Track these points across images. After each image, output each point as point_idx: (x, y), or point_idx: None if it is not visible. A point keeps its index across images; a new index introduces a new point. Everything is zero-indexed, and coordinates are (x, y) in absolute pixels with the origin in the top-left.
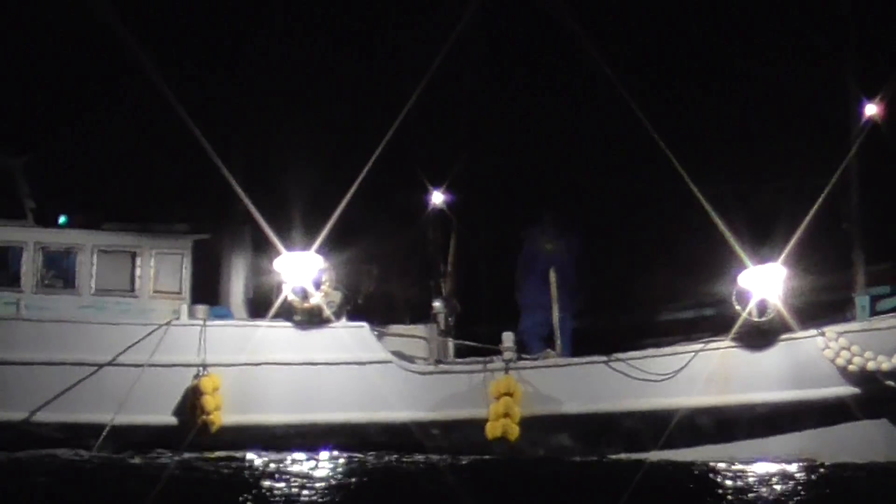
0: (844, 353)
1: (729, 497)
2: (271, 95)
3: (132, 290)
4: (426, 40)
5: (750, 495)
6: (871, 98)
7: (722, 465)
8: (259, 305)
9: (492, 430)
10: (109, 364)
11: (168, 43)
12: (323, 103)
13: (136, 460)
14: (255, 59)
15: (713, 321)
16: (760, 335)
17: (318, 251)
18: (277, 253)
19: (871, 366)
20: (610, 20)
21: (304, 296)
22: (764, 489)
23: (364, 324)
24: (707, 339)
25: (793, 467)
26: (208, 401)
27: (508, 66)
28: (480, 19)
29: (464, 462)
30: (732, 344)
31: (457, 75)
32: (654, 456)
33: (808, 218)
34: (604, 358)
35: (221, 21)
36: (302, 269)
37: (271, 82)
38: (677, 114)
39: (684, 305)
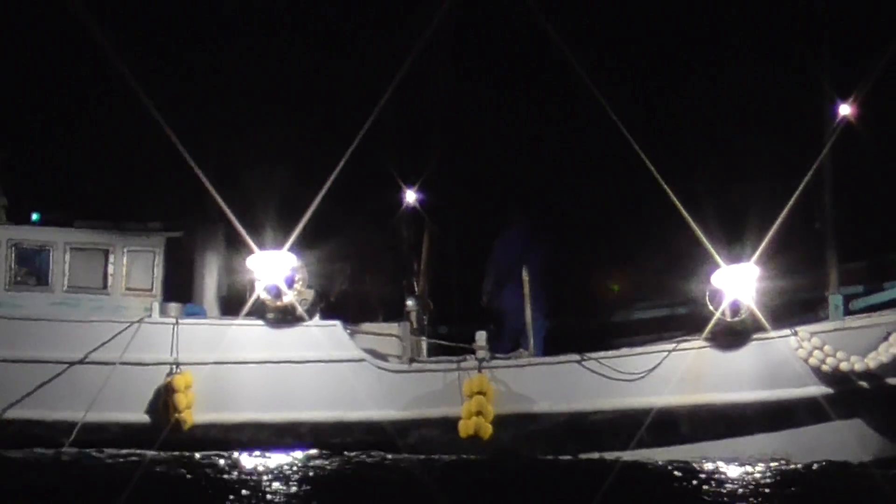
0: (817, 353)
1: (701, 497)
2: (244, 94)
3: (104, 287)
4: (399, 38)
5: (722, 495)
6: (844, 98)
7: (694, 465)
8: (232, 303)
9: (465, 428)
10: (81, 362)
11: (141, 41)
12: (296, 102)
13: (108, 458)
14: (227, 57)
15: (686, 319)
16: (733, 335)
17: (291, 250)
18: (250, 251)
19: (844, 366)
20: (583, 19)
21: (278, 294)
22: (736, 489)
23: (337, 322)
24: (680, 339)
25: (765, 467)
26: (181, 399)
27: (482, 64)
28: (454, 17)
29: (436, 461)
30: (705, 343)
31: (430, 73)
32: (627, 455)
33: (781, 217)
34: (577, 357)
35: (195, 19)
36: (275, 267)
37: (244, 81)
38: (650, 113)
39: (657, 304)
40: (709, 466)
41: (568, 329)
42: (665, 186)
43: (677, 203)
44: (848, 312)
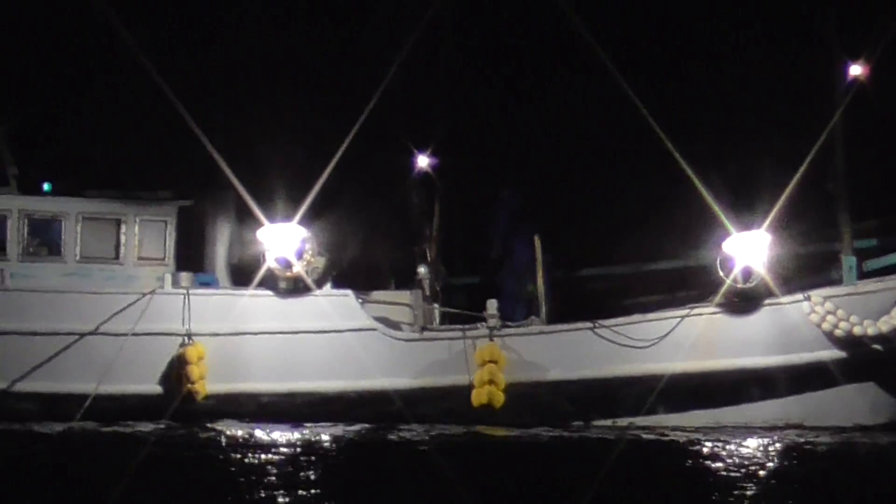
0: (830, 318)
1: (714, 462)
2: (253, 64)
3: (117, 257)
4: (406, 5)
5: (735, 460)
6: (855, 59)
7: (707, 431)
8: (243, 272)
9: (477, 397)
10: (93, 333)
11: (149, 10)
12: (305, 71)
13: (120, 430)
14: (236, 26)
15: (698, 276)
16: (745, 301)
17: (301, 220)
18: (260, 220)
19: (857, 330)
20: None
21: (288, 265)
22: (749, 454)
23: (349, 292)
24: (692, 305)
25: (779, 432)
26: (193, 370)
27: (488, 29)
28: None
29: (448, 430)
30: (717, 309)
31: (437, 40)
32: (640, 421)
33: (793, 182)
34: (589, 324)
35: None
36: (285, 240)
37: (253, 50)
38: (659, 77)
39: (669, 262)
40: (721, 432)
41: (580, 286)
42: (673, 151)
43: (687, 168)
44: (861, 274)
